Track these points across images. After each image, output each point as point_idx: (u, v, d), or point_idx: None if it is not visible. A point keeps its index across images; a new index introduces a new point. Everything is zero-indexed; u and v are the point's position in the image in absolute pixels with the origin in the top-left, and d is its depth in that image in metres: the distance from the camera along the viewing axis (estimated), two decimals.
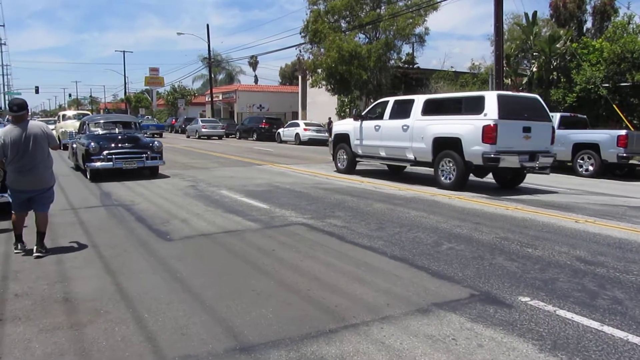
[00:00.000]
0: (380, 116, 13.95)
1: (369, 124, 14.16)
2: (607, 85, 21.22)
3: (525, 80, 26.22)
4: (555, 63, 24.11)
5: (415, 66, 38.50)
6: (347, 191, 11.19)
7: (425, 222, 7.84)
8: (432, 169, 12.18)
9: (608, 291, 4.76)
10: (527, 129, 11.23)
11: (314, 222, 7.76)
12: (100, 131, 14.23)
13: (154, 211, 8.63)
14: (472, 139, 10.97)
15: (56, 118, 31.07)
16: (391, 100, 14.01)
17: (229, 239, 6.71)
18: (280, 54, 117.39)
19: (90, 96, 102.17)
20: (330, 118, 39.84)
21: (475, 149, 10.94)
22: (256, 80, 77.13)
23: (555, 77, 24.22)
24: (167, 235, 6.91)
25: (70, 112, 30.79)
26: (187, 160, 18.77)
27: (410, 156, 12.74)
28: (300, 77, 47.66)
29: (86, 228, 7.38)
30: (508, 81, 25.83)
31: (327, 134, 34.65)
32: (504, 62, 22.43)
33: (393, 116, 13.41)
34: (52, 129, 26.12)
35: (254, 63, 77.68)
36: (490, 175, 12.69)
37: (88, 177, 12.69)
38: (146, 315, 4.11)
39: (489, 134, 10.70)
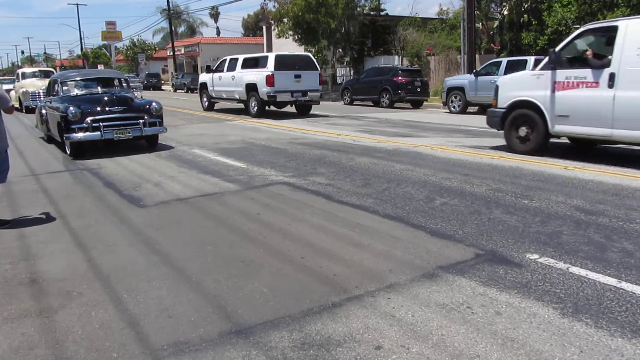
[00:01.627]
0: (221, 70, 19.79)
1: (215, 75, 20.08)
2: (578, 26, 20.89)
3: (496, 24, 25.79)
4: (526, 5, 23.67)
5: (383, 13, 37.50)
6: (326, 145, 10.76)
7: (412, 175, 7.50)
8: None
9: (616, 243, 4.52)
10: (297, 76, 17.57)
11: (296, 180, 7.34)
12: (77, 91, 11.25)
13: (123, 175, 8.06)
14: (262, 84, 17.30)
15: (15, 77, 27.69)
16: (227, 58, 19.89)
17: (208, 203, 6.25)
18: (242, 4, 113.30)
19: (45, 53, 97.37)
20: None
21: (263, 90, 17.32)
22: (218, 33, 74.66)
23: (526, 20, 23.84)
24: (140, 201, 6.40)
25: (29, 70, 27.80)
26: None
27: (237, 97, 18.94)
28: (265, 28, 46.09)
29: (50, 196, 6.81)
30: (479, 25, 25.35)
31: None
32: (475, 5, 21.89)
33: (228, 70, 19.25)
34: (11, 90, 24.17)
35: (215, 14, 75.02)
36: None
37: (68, 152, 9.94)
38: (125, 295, 3.67)
39: (269, 80, 17.11)
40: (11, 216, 5.80)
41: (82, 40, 70.36)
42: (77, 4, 67.47)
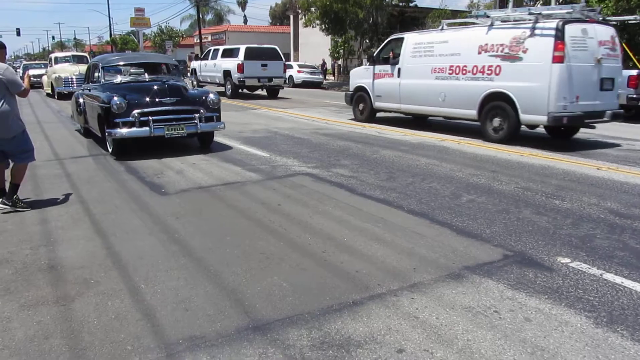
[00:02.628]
0: (207, 58, 24.63)
1: (202, 63, 25.23)
2: (615, 22, 20.27)
3: None
4: (560, 0, 23.00)
5: (412, 4, 36.97)
6: (350, 137, 10.60)
7: (438, 170, 7.32)
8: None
9: None
10: (264, 65, 21.44)
11: (319, 171, 7.22)
12: (121, 78, 9.69)
13: (146, 161, 8.04)
14: (234, 71, 21.29)
15: (47, 62, 26.67)
16: (211, 48, 24.84)
17: (229, 192, 6.17)
18: None
19: (75, 38, 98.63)
20: (324, 59, 38.63)
21: (235, 76, 21.35)
22: (245, 21, 74.70)
23: None
24: (161, 188, 6.36)
25: (62, 54, 27.11)
26: None
27: (217, 81, 23.24)
28: (292, 17, 45.92)
29: (73, 181, 6.81)
30: None
31: (321, 76, 33.63)
32: None
33: (212, 58, 23.93)
34: (43, 74, 23.88)
35: (243, 2, 74.99)
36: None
37: (109, 149, 8.54)
38: (142, 285, 3.61)
39: (239, 68, 21.14)
40: (34, 199, 5.81)
41: (112, 26, 71.00)
42: None
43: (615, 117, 9.71)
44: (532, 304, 3.32)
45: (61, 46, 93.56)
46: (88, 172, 7.37)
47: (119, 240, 4.54)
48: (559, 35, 8.75)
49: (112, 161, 8.08)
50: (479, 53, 10.03)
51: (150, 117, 8.14)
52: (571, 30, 8.90)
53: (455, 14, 33.94)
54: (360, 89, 13.33)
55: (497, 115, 9.72)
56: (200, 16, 53.58)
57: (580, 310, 3.25)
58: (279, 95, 22.73)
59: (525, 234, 4.65)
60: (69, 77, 20.63)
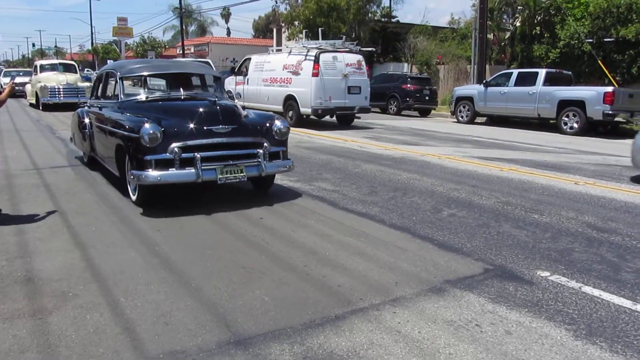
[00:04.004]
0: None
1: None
2: (591, 40, 20.80)
3: (507, 35, 25.65)
4: (539, 17, 23.53)
5: (394, 20, 37.43)
6: (332, 151, 10.64)
7: (419, 185, 7.37)
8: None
9: (630, 263, 4.38)
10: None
11: (302, 185, 7.23)
12: (146, 95, 6.93)
13: None
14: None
15: (32, 69, 24.52)
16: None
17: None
18: (253, 5, 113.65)
19: (55, 46, 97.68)
20: None
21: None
22: (229, 33, 74.74)
23: (538, 33, 23.69)
24: None
25: (49, 62, 25.32)
26: None
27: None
28: (275, 30, 46.07)
29: (52, 192, 6.71)
30: (490, 36, 25.23)
31: None
32: (487, 16, 21.77)
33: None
34: (27, 83, 22.66)
35: (226, 15, 75.14)
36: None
37: (132, 196, 6.12)
38: (122, 299, 3.56)
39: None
40: (11, 210, 5.71)
41: (93, 35, 70.44)
42: None
43: (361, 111, 15.54)
44: (513, 317, 3.35)
45: (41, 54, 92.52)
46: (67, 182, 7.27)
47: (98, 252, 4.47)
48: (316, 60, 14.49)
49: (93, 172, 7.98)
50: (283, 69, 15.70)
51: (196, 154, 5.64)
52: (324, 57, 14.68)
53: (436, 30, 34.49)
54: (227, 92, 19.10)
55: (291, 108, 15.30)
56: (184, 27, 53.59)
57: (560, 323, 3.29)
58: None
59: (506, 248, 4.70)
60: (56, 87, 19.38)
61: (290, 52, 15.84)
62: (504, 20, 28.52)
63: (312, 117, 15.36)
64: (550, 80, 16.33)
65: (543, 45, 22.45)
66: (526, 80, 16.77)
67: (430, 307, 3.49)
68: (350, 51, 15.58)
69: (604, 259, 4.46)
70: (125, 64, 8.51)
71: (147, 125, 5.53)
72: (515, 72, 17.87)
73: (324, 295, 3.64)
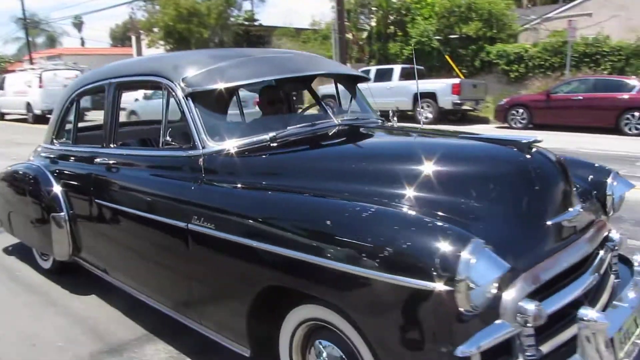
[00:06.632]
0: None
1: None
2: (439, 37, 22.63)
3: (365, 34, 27.05)
4: (392, 18, 25.10)
5: (257, 23, 37.73)
6: None
7: None
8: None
9: None
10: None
11: None
12: (266, 135, 2.80)
13: None
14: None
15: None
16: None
17: None
18: (107, 14, 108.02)
19: None
20: None
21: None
22: (83, 43, 70.39)
23: (392, 32, 25.27)
24: None
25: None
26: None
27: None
28: (134, 38, 44.33)
29: None
30: (350, 36, 26.43)
31: None
32: (345, 17, 22.80)
33: None
34: None
35: (78, 24, 70.66)
36: None
37: None
38: None
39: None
40: None
41: None
42: None
43: None
44: None
45: None
46: None
47: None
48: (41, 78, 19.82)
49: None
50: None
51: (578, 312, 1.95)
52: (46, 74, 20.02)
53: (299, 32, 35.35)
54: None
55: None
56: (31, 39, 49.57)
57: None
58: None
59: None
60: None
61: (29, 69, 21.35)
62: (361, 21, 30.00)
63: None
64: (405, 75, 17.54)
65: (397, 43, 24.01)
66: (383, 75, 17.86)
67: None
68: (71, 68, 20.91)
69: None
70: (175, 60, 3.37)
71: (494, 259, 1.81)
72: (373, 69, 18.96)
73: None
